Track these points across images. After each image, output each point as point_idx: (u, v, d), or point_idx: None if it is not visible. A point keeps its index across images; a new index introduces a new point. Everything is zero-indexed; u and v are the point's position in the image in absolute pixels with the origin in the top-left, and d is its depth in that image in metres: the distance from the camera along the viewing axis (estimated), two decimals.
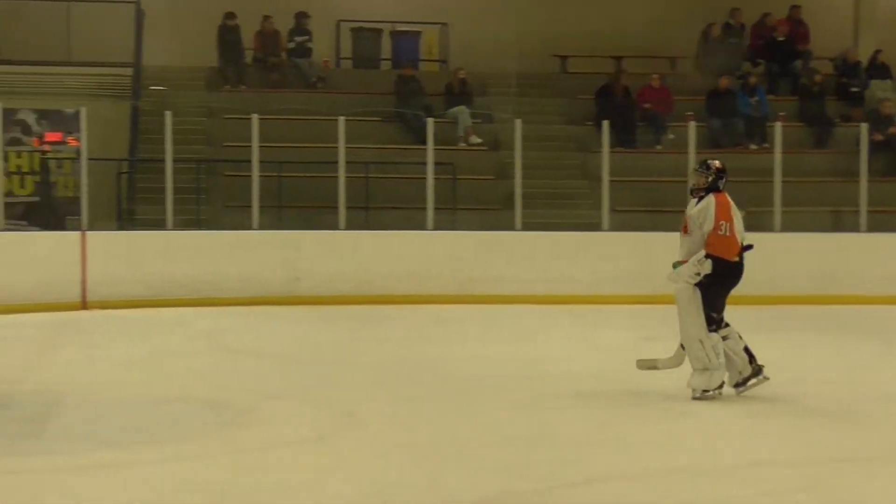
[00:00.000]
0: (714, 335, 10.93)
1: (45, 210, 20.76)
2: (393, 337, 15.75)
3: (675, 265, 11.10)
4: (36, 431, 9.93)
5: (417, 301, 18.36)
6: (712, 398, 10.91)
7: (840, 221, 20.47)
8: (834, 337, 16.29)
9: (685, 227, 10.97)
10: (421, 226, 19.38)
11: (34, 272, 16.82)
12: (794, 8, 25.55)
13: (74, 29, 23.30)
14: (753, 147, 21.83)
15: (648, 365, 11.21)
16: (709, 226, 10.75)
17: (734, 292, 18.42)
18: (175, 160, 18.74)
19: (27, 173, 21.29)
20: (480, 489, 8.25)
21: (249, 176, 19.10)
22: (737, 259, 10.97)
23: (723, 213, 10.80)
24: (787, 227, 20.04)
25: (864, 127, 21.07)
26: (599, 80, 23.77)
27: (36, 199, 21.17)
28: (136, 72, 22.64)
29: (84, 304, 17.62)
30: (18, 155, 21.14)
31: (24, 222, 19.73)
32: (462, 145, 22.05)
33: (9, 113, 19.90)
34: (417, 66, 24.97)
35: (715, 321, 11.04)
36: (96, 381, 12.20)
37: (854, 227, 20.30)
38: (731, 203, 10.95)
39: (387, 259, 18.94)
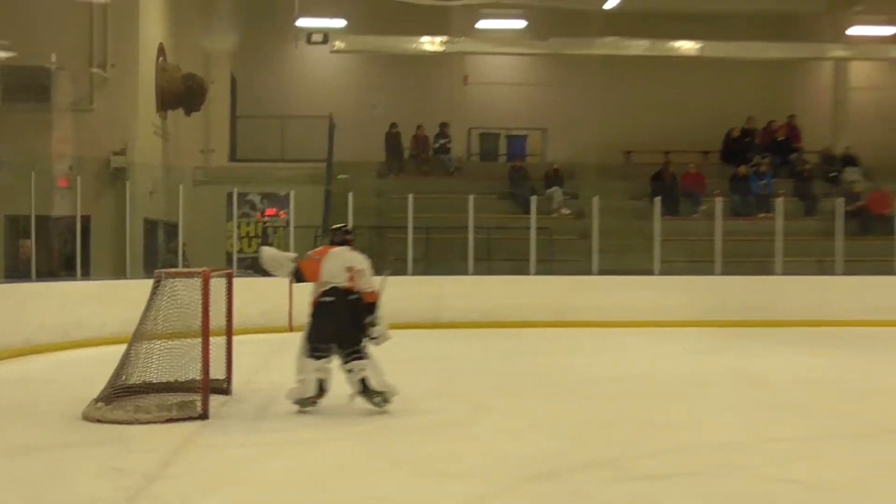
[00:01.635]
0: (309, 360, 10.03)
1: None
2: (509, 350, 15.76)
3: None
4: (260, 416, 10.07)
5: (525, 325, 18.35)
6: (302, 410, 10.05)
7: (824, 268, 20.17)
8: (823, 349, 16.10)
9: None
10: (527, 272, 19.41)
11: (258, 305, 17.05)
12: (791, 117, 25.34)
13: (287, 136, 23.73)
14: (762, 216, 21.52)
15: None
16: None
17: (748, 317, 18.52)
18: (354, 227, 18.87)
19: (253, 237, 21.70)
20: (577, 459, 8.29)
21: (406, 237, 19.27)
22: (328, 299, 9.99)
23: (316, 253, 10.31)
24: (787, 271, 19.83)
25: (840, 201, 20.90)
26: (653, 168, 23.68)
27: (258, 255, 21.57)
28: (328, 165, 22.91)
29: (291, 328, 17.81)
30: (247, 224, 21.58)
31: (251, 271, 20.03)
32: (556, 215, 22.03)
33: (242, 195, 20.30)
34: (525, 159, 25.00)
35: (317, 349, 10.03)
36: None
37: (833, 272, 20.10)
38: (336, 252, 10.18)
39: (503, 295, 18.96)
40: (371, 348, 10.26)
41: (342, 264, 10.11)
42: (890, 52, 25.56)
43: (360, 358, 10.07)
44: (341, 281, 10.04)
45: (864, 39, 25.95)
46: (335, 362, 10.20)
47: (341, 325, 10.05)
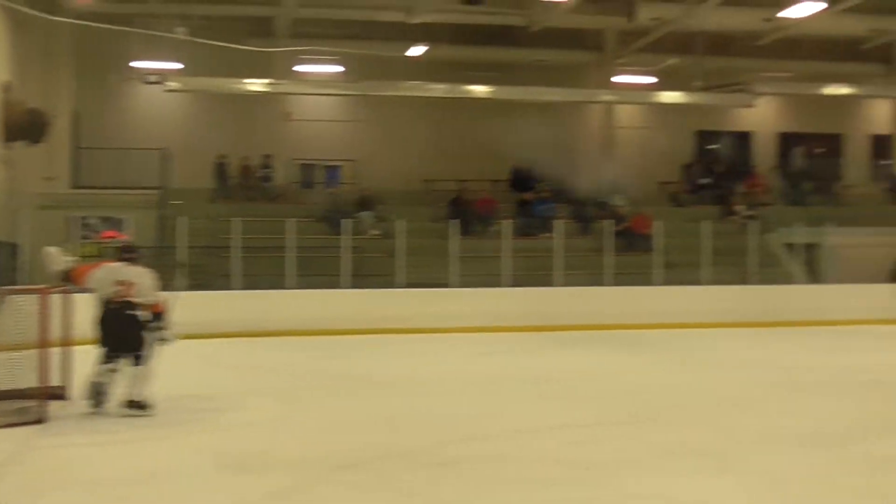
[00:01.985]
0: (98, 365, 9.83)
1: None
2: (325, 356, 15.64)
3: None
4: (93, 419, 9.76)
5: (340, 333, 18.18)
6: (95, 410, 9.78)
7: (596, 279, 20.61)
8: (596, 349, 16.47)
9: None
10: (341, 286, 19.34)
11: None
12: (567, 150, 25.84)
13: (126, 166, 23.05)
14: (544, 235, 21.78)
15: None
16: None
17: (533, 322, 18.77)
18: (189, 246, 18.58)
19: (92, 256, 20.91)
20: (383, 450, 8.30)
21: (229, 256, 19.00)
22: (101, 310, 9.85)
23: (90, 266, 10.32)
24: (566, 283, 20.25)
25: (609, 223, 21.50)
26: (451, 194, 23.81)
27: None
28: (163, 192, 22.37)
29: None
30: (86, 245, 20.81)
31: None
32: (366, 236, 21.87)
33: (85, 218, 19.67)
34: (339, 187, 24.90)
35: (105, 356, 9.84)
36: None
37: (603, 283, 20.55)
38: (111, 266, 10.04)
39: (320, 307, 18.77)
40: (158, 355, 10.12)
41: (113, 277, 9.91)
42: (647, 98, 26.49)
43: (136, 365, 9.87)
44: (108, 292, 9.86)
45: (627, 87, 26.77)
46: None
47: (116, 334, 9.84)
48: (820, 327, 19.73)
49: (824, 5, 20.86)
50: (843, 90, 26.78)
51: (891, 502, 7.07)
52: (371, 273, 20.16)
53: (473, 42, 24.91)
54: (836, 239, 22.67)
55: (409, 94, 24.01)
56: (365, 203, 23.02)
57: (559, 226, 21.11)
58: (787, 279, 22.37)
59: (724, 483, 7.36)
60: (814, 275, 22.73)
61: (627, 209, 23.76)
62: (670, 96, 25.63)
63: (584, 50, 26.08)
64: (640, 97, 26.79)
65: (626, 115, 27.69)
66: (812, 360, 15.58)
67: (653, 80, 26.69)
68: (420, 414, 10.15)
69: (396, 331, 18.43)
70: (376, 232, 22.12)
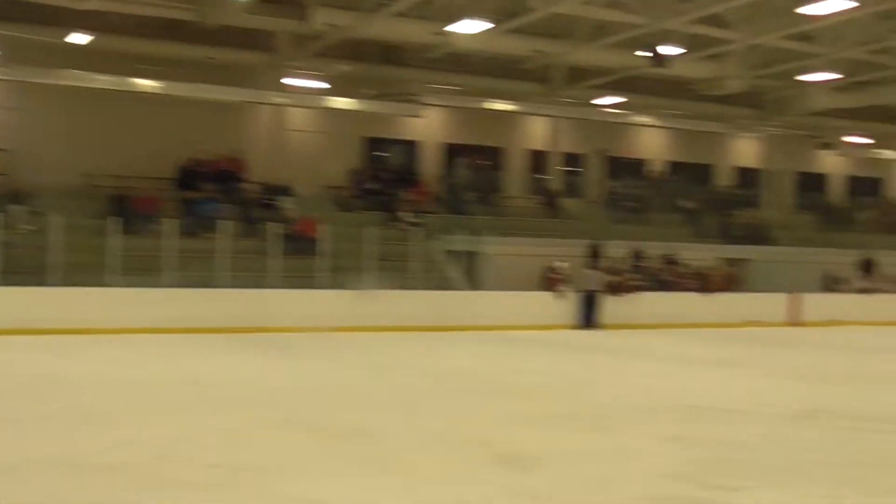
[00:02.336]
0: None
1: None
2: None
3: None
4: None
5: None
6: None
7: (261, 282, 20.59)
8: (255, 353, 16.46)
9: None
10: None
11: None
12: (237, 151, 25.65)
13: None
14: (208, 235, 21.46)
15: None
16: None
17: (194, 325, 18.55)
18: None
19: None
20: (37, 454, 7.93)
21: None
22: None
23: None
24: (232, 285, 20.11)
25: (276, 225, 21.61)
26: (112, 190, 23.08)
27: None
28: None
29: None
30: None
31: None
32: (17, 230, 20.55)
33: None
34: None
35: None
36: None
37: (268, 285, 20.57)
38: None
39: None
40: None
41: None
42: (318, 102, 26.80)
43: None
44: None
45: (299, 90, 26.89)
46: None
47: None
48: (476, 332, 20.75)
49: (490, 24, 21.95)
50: (504, 106, 28.38)
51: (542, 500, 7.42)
52: (22, 270, 19.14)
53: (144, 34, 24.20)
54: (494, 248, 23.91)
55: (70, 83, 23.12)
56: (17, 196, 21.84)
57: (224, 226, 20.94)
58: (447, 285, 23.31)
59: (379, 484, 7.53)
60: (472, 281, 23.82)
61: (294, 212, 23.93)
62: (340, 102, 26.14)
63: (256, 50, 25.94)
64: (310, 101, 27.04)
65: (298, 118, 27.87)
66: (466, 364, 16.31)
67: (325, 85, 27.01)
68: (71, 417, 9.77)
69: (49, 331, 17.64)
70: (29, 227, 20.99)
